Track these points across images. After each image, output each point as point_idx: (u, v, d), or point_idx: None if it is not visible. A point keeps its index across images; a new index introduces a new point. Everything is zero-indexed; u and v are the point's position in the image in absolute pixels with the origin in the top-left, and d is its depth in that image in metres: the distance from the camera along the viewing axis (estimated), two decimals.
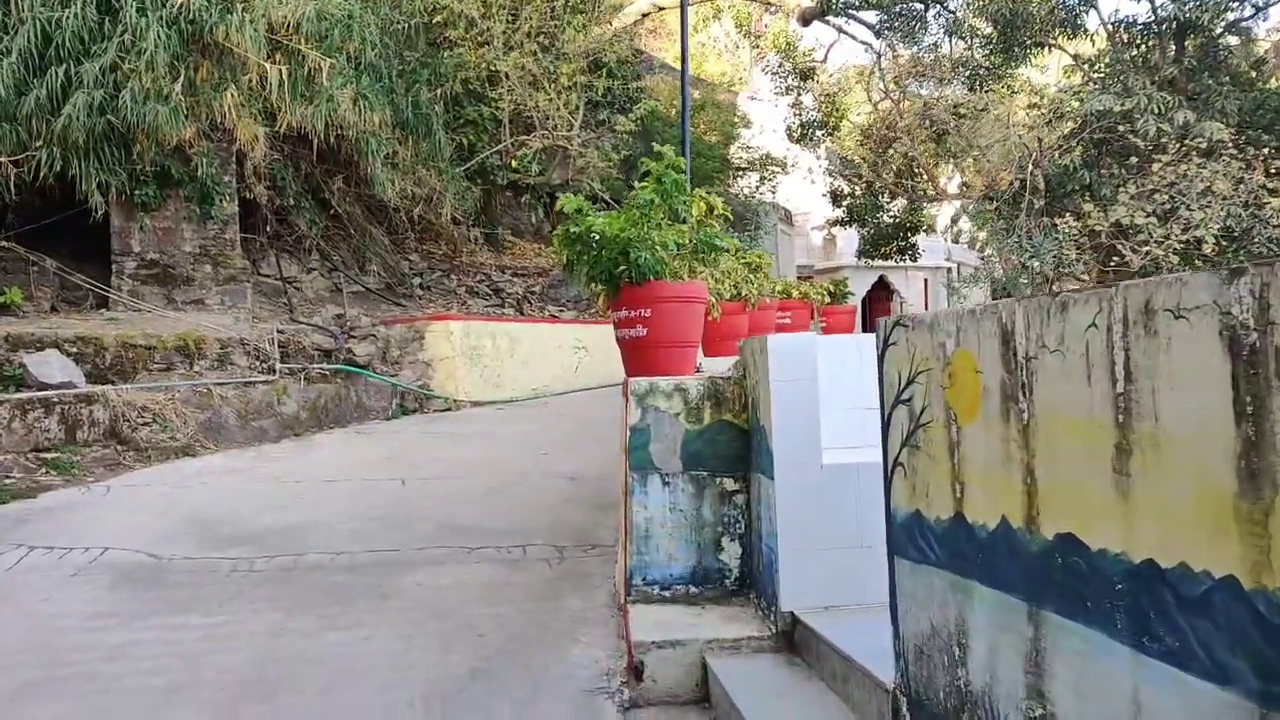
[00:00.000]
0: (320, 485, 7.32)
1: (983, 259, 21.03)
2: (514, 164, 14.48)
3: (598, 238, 4.95)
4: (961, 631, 2.34)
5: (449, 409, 11.94)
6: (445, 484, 7.39)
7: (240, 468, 7.98)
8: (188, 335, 9.44)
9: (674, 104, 20.36)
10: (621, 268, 4.86)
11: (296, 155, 12.65)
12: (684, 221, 5.24)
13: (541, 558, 5.42)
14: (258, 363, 9.87)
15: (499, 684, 3.65)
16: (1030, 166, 15.67)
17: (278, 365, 9.96)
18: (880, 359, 2.71)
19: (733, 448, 4.17)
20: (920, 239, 24.82)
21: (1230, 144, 13.97)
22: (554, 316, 14.97)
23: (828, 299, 13.15)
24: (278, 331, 10.35)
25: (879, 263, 27.05)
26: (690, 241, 5.24)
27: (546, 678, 3.70)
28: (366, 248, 13.96)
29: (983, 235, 28.39)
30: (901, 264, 27.66)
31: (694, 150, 21.30)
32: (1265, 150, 14.35)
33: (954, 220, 37.55)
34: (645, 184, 5.09)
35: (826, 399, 3.79)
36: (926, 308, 33.80)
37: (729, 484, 4.17)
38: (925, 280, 34.76)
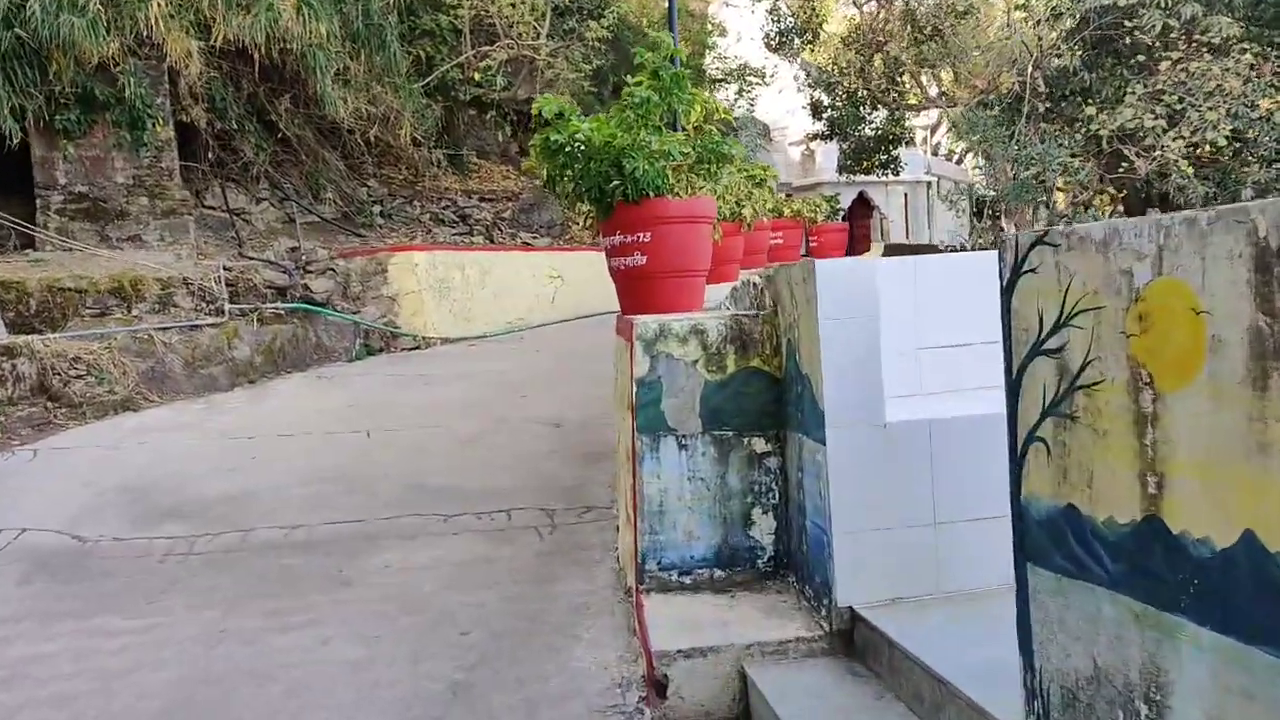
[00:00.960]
0: (275, 441, 6.53)
1: (979, 169, 20.15)
2: (477, 77, 13.37)
3: (584, 147, 4.12)
4: (1155, 685, 1.63)
5: (417, 347, 11.12)
6: (414, 435, 6.63)
7: (186, 422, 7.16)
8: (123, 276, 8.51)
9: (645, 14, 19.21)
10: (614, 183, 4.05)
11: (237, 73, 11.50)
12: (679, 127, 4.40)
13: (529, 525, 4.70)
14: (204, 304, 8.97)
15: (487, 705, 2.94)
16: (1030, 68, 14.75)
17: (227, 306, 9.06)
18: (1007, 292, 1.94)
19: (762, 401, 3.42)
20: (900, 152, 24.03)
21: (1240, 39, 13.16)
22: (526, 244, 14.06)
23: (821, 217, 12.30)
24: (225, 269, 9.42)
25: (859, 178, 26.22)
26: (694, 150, 4.42)
27: (546, 693, 2.99)
28: (320, 174, 12.90)
29: (962, 145, 27.54)
30: (882, 179, 26.86)
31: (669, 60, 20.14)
32: (1272, 48, 13.55)
33: (932, 130, 36.63)
34: (639, 79, 4.24)
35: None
36: (907, 223, 33.11)
37: (759, 444, 3.43)
38: (905, 195, 34.01)
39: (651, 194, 4.07)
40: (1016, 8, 15.80)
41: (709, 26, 21.42)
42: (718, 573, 3.44)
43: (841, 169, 24.67)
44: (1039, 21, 15.11)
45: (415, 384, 8.73)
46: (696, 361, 3.41)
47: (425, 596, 3.84)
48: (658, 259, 4.15)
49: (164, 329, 8.36)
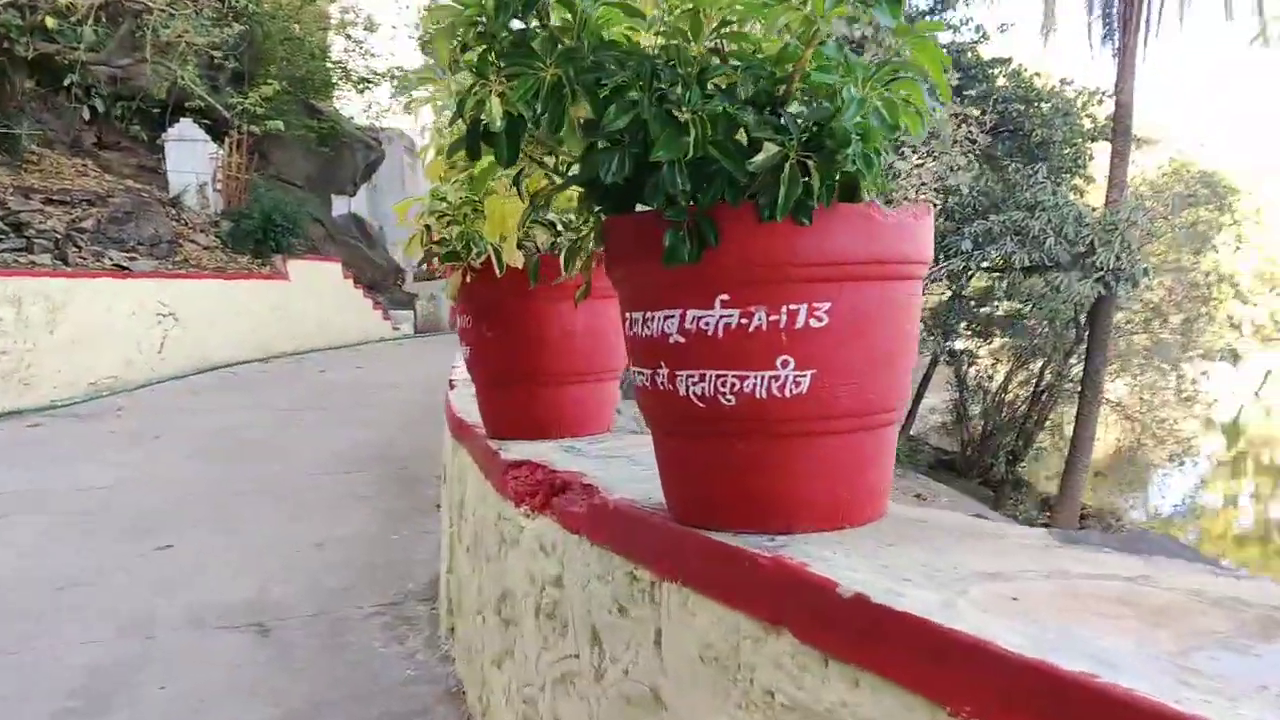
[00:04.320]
0: None
1: None
2: (49, 24, 9.08)
3: (665, 47, 1.28)
4: None
5: None
6: None
7: None
8: None
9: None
10: (770, 151, 1.23)
11: None
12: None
13: None
14: None
15: None
16: None
17: None
18: None
19: None
20: None
21: None
22: (121, 268, 9.87)
23: None
24: None
25: None
26: None
27: None
28: None
29: None
30: None
31: (304, 51, 16.50)
32: None
33: None
34: None
35: None
36: None
37: None
38: None
39: (869, 195, 1.35)
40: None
41: (349, 14, 18.03)
42: None
43: None
44: None
45: None
46: None
47: None
48: (842, 373, 1.37)
49: None
